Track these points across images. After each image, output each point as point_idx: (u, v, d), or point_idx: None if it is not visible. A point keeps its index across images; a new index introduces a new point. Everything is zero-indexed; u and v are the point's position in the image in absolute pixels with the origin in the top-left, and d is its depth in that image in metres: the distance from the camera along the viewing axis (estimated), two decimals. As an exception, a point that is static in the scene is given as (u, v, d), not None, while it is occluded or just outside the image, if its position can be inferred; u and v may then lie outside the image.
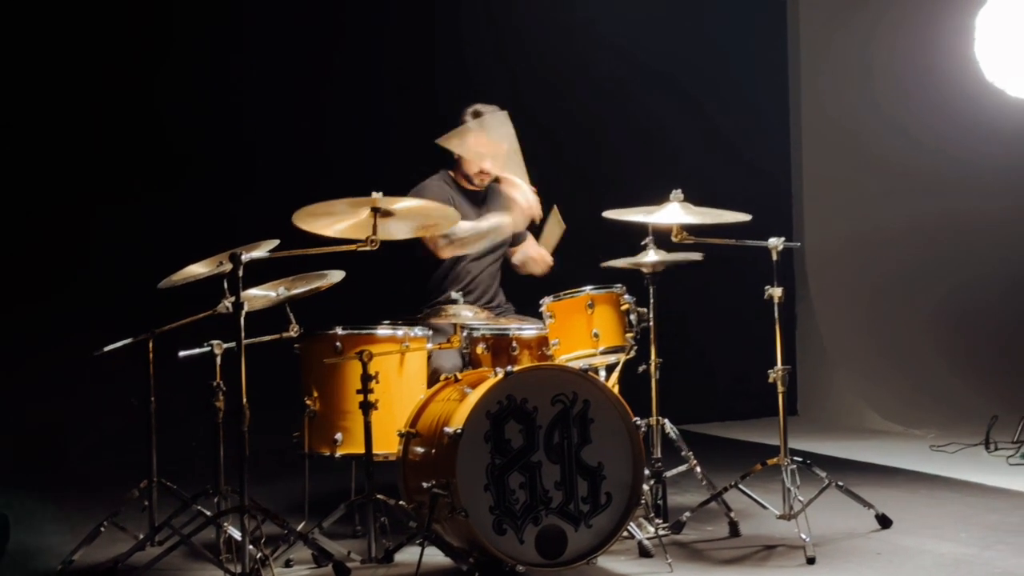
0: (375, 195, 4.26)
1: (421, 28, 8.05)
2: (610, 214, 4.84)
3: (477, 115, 5.28)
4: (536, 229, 5.46)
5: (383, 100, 7.84)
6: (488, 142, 5.26)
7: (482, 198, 5.39)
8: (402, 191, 4.88)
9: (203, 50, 7.55)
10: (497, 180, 5.35)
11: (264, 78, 7.65)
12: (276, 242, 4.31)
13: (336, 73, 7.82)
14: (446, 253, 5.16)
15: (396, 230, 4.49)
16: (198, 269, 4.47)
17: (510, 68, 8.14)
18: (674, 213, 4.76)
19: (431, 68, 7.97)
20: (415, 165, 5.38)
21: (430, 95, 7.61)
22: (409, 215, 4.42)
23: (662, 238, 4.86)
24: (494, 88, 7.71)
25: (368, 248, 4.27)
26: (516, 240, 5.51)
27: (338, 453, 4.55)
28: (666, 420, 4.95)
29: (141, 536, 4.55)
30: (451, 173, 5.39)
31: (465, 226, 5.06)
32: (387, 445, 4.46)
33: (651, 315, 4.85)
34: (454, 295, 4.74)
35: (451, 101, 5.46)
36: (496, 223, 5.19)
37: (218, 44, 7.58)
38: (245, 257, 4.08)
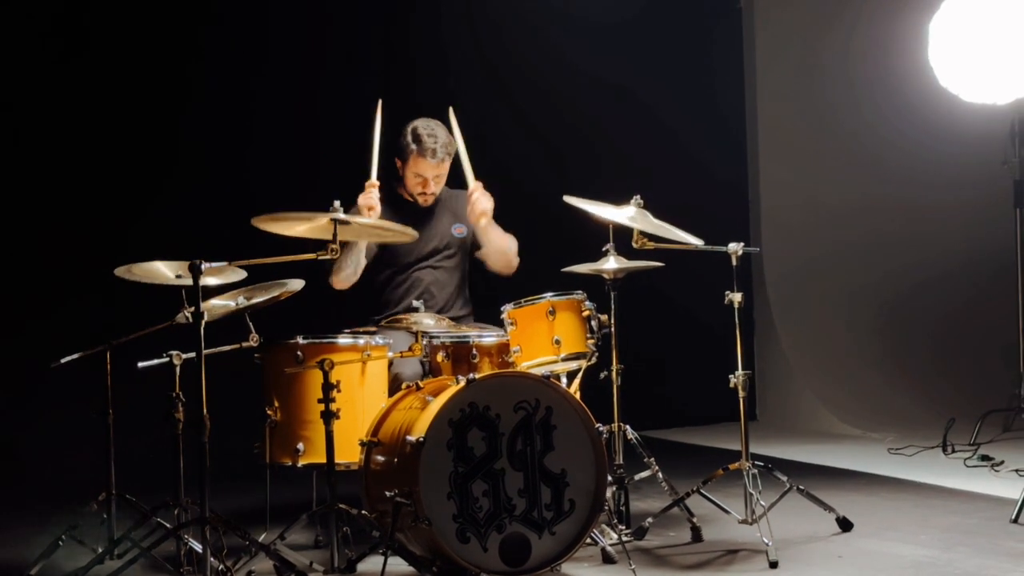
0: (335, 204, 4.25)
1: (398, 20, 8.04)
2: (571, 200, 4.81)
3: (418, 140, 5.26)
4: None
5: (358, 102, 7.79)
6: (427, 165, 5.27)
7: (428, 211, 5.39)
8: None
9: (182, 56, 7.48)
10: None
11: (230, 77, 7.58)
12: (225, 263, 4.24)
13: (313, 76, 7.77)
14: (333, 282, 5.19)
15: (356, 234, 4.49)
16: (160, 266, 4.40)
17: (485, 62, 8.14)
18: (632, 215, 4.75)
19: (412, 66, 7.95)
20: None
21: (409, 94, 7.57)
22: (368, 230, 4.44)
23: (623, 244, 4.87)
24: (469, 78, 7.77)
25: (329, 256, 4.26)
26: (478, 244, 5.49)
27: (300, 463, 4.52)
28: (628, 426, 4.96)
29: (100, 549, 4.51)
30: (396, 186, 5.39)
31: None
32: (349, 454, 4.45)
33: (612, 321, 4.86)
34: (415, 303, 4.73)
35: (428, 103, 5.44)
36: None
37: (194, 48, 7.51)
38: (204, 267, 4.06)
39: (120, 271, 4.49)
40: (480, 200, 5.27)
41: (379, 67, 7.88)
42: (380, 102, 4.81)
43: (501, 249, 5.42)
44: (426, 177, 5.29)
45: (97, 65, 7.31)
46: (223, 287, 4.49)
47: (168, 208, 7.28)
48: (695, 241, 4.79)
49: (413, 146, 5.26)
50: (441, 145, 5.26)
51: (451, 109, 5.25)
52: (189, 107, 7.47)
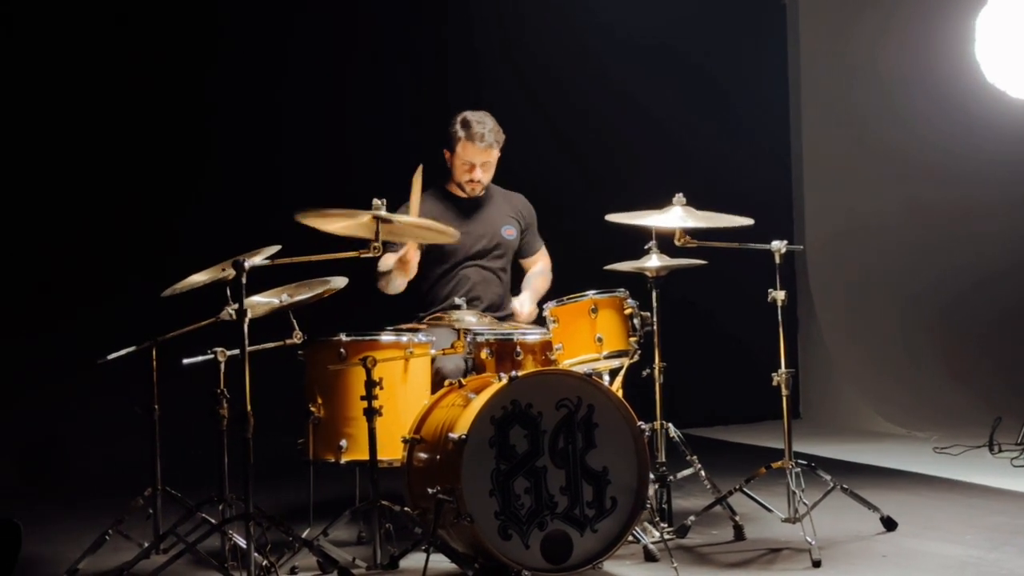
0: (376, 202, 4.27)
1: (431, 33, 8.06)
2: (613, 218, 4.85)
3: (466, 125, 5.29)
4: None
5: (393, 105, 7.83)
6: (475, 151, 5.28)
7: (475, 207, 5.40)
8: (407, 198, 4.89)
9: (207, 56, 7.54)
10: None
11: (269, 83, 7.64)
12: (277, 247, 4.32)
13: (347, 79, 7.81)
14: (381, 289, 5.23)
15: (399, 235, 4.51)
16: (200, 278, 4.48)
17: (517, 70, 8.17)
18: (676, 217, 4.76)
19: (444, 74, 7.98)
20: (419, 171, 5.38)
21: (441, 99, 7.61)
22: (410, 229, 4.45)
23: (665, 242, 4.87)
24: (501, 90, 7.79)
25: (371, 255, 4.28)
26: (523, 252, 5.51)
27: (343, 460, 4.54)
28: (670, 424, 4.95)
29: (146, 544, 4.55)
30: (444, 185, 5.41)
31: (385, 262, 5.08)
32: (392, 451, 4.46)
33: (655, 319, 4.86)
34: (458, 301, 4.74)
35: (461, 106, 5.45)
36: (387, 263, 5.12)
37: (220, 51, 7.58)
38: (248, 264, 4.09)
39: (167, 292, 4.55)
40: (525, 307, 5.34)
41: (409, 75, 7.92)
42: (420, 167, 4.84)
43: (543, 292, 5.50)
44: (474, 163, 5.30)
45: (139, 69, 7.39)
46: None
47: (211, 207, 7.35)
48: (745, 222, 4.77)
49: (461, 132, 5.28)
50: (489, 131, 5.28)
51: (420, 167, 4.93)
52: (223, 109, 7.54)
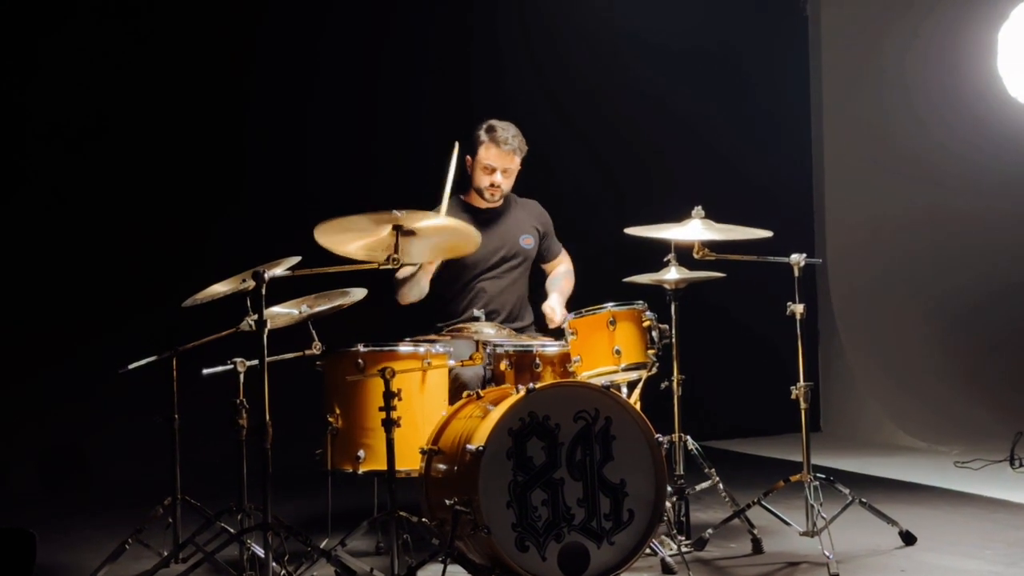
0: (395, 214, 4.27)
1: (456, 43, 8.09)
2: (632, 231, 4.86)
3: (491, 130, 5.32)
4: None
5: (417, 117, 7.86)
6: (498, 154, 5.30)
7: (494, 217, 5.41)
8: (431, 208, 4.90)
9: (234, 69, 7.59)
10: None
11: (292, 93, 7.68)
12: (297, 258, 4.34)
13: (374, 92, 7.85)
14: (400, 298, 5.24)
15: (418, 252, 4.50)
16: (220, 288, 4.50)
17: (541, 82, 8.20)
18: (695, 230, 4.77)
19: (467, 84, 8.01)
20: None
21: (465, 110, 7.63)
22: (430, 234, 4.42)
23: (684, 254, 4.87)
24: (525, 99, 7.80)
25: (391, 267, 4.28)
26: (543, 257, 5.52)
27: (361, 470, 4.54)
28: (688, 437, 4.95)
29: (165, 553, 4.57)
30: (462, 196, 5.42)
31: (403, 270, 5.10)
32: (409, 462, 4.46)
33: (673, 331, 4.85)
34: (476, 313, 4.75)
35: (485, 117, 5.47)
36: (406, 272, 5.15)
37: (247, 63, 7.62)
38: (268, 275, 4.10)
39: (187, 303, 4.58)
40: (557, 310, 5.32)
41: (435, 85, 7.95)
42: (457, 144, 4.85)
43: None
44: (495, 167, 5.31)
45: (166, 80, 7.45)
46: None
47: (233, 218, 7.39)
48: (764, 234, 4.77)
49: (485, 136, 5.30)
50: (513, 136, 5.31)
51: (456, 144, 5.04)
52: (248, 120, 7.58)
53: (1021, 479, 6.32)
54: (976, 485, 6.18)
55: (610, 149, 8.41)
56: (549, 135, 7.27)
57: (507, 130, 5.33)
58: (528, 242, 5.46)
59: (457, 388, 4.78)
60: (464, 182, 5.40)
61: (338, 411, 4.58)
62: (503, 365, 4.67)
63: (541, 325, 5.44)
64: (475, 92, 7.92)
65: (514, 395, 4.13)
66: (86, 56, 7.31)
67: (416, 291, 5.21)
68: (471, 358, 4.68)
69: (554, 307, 5.32)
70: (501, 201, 5.42)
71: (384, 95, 7.86)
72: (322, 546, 4.38)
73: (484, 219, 5.37)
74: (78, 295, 7.17)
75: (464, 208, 5.40)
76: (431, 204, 4.80)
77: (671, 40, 8.45)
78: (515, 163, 5.36)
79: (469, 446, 4.04)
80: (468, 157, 5.37)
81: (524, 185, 5.49)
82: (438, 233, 4.46)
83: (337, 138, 7.75)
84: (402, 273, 5.13)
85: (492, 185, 5.34)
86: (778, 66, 8.98)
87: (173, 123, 7.47)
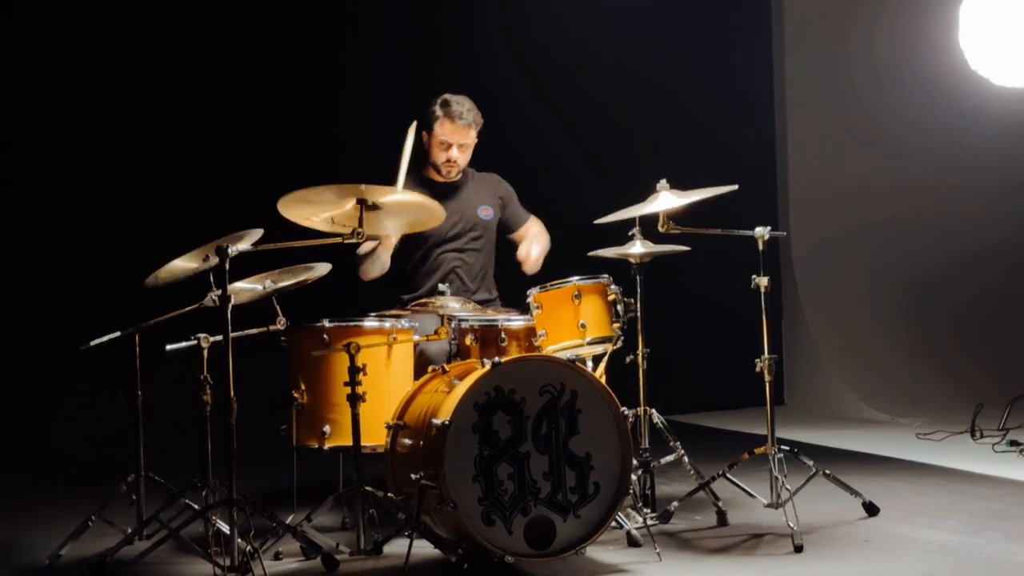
0: (360, 188, 4.25)
1: (424, 11, 8.04)
2: (601, 221, 4.85)
3: (445, 104, 5.29)
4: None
5: (381, 91, 7.81)
6: (453, 129, 5.27)
7: (452, 191, 5.39)
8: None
9: (194, 42, 7.52)
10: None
11: (252, 67, 7.63)
12: (260, 232, 4.31)
13: (335, 62, 7.81)
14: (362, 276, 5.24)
15: (382, 226, 4.48)
16: (183, 264, 4.46)
17: (508, 52, 8.18)
18: (663, 202, 4.76)
19: (436, 54, 7.97)
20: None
21: (432, 84, 7.59)
22: (395, 208, 4.41)
23: (649, 228, 4.87)
24: (490, 74, 7.77)
25: (355, 240, 4.26)
26: (510, 226, 5.49)
27: (326, 445, 4.54)
28: (654, 410, 4.96)
29: (129, 530, 4.55)
30: (421, 171, 5.39)
31: (364, 246, 5.08)
32: (375, 437, 4.46)
33: (638, 305, 4.85)
34: (441, 287, 4.74)
35: (454, 91, 5.44)
36: (366, 247, 5.13)
37: (208, 34, 7.55)
38: (232, 250, 4.07)
39: (149, 281, 4.54)
40: (535, 252, 5.33)
41: (404, 55, 7.91)
42: (415, 123, 4.82)
43: (544, 252, 5.45)
44: (451, 142, 5.29)
45: (119, 53, 7.37)
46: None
47: (194, 192, 7.35)
48: (730, 188, 4.76)
49: (440, 111, 5.28)
50: (468, 110, 5.29)
51: (414, 123, 4.97)
52: (205, 93, 7.52)
53: (982, 450, 6.38)
54: (938, 456, 6.24)
55: (573, 123, 8.38)
56: (512, 107, 7.26)
57: (462, 104, 5.30)
58: (487, 213, 5.44)
59: (422, 363, 4.77)
60: (422, 157, 5.38)
61: (303, 387, 4.57)
62: (468, 339, 4.66)
63: (506, 300, 5.43)
64: (442, 60, 7.89)
65: (480, 369, 4.13)
66: (40, 24, 7.21)
67: (377, 266, 5.20)
68: (436, 332, 4.67)
69: (527, 249, 5.32)
70: (460, 176, 5.40)
71: (348, 65, 7.81)
72: (288, 522, 4.37)
73: (442, 193, 5.33)
74: (39, 272, 7.10)
75: (422, 183, 5.37)
76: (391, 180, 4.77)
77: (634, 11, 8.42)
78: (471, 137, 5.34)
79: (435, 420, 4.04)
80: (424, 133, 5.34)
81: (485, 161, 5.47)
82: (402, 207, 4.45)
83: (298, 112, 7.69)
84: (362, 249, 5.11)
85: (448, 161, 5.32)
86: (742, 39, 8.98)
87: (133, 95, 7.40)
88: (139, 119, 7.40)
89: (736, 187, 4.77)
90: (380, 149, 5.58)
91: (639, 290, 4.89)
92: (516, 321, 4.71)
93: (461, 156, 5.34)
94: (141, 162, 7.39)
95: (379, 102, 7.68)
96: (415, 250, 5.33)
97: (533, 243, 5.41)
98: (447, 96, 5.32)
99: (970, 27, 8.53)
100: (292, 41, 7.71)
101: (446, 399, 4.11)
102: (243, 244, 4.22)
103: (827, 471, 4.78)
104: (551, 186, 7.67)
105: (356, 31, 7.86)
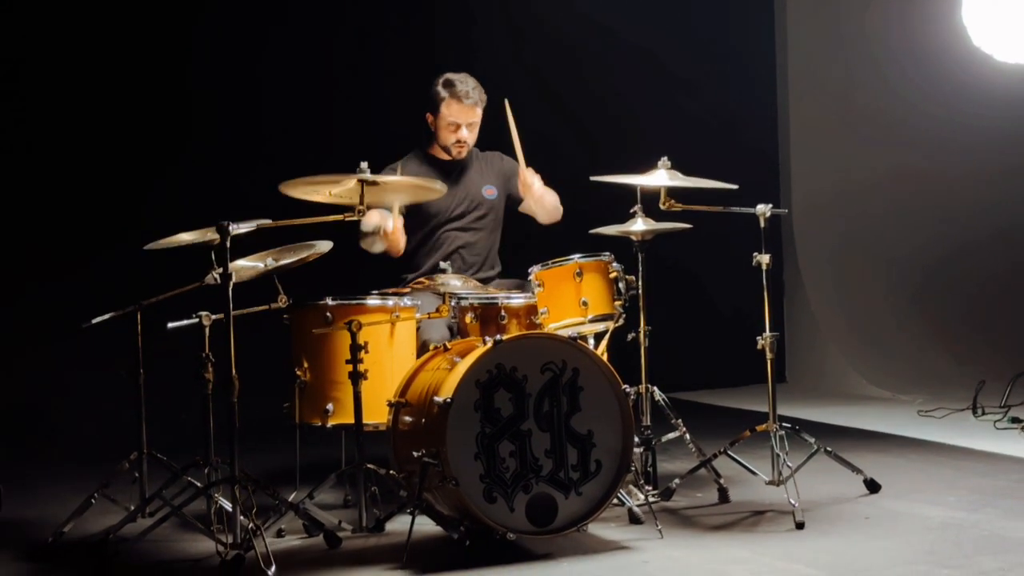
0: (362, 166, 4.25)
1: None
2: (598, 178, 4.83)
3: (449, 84, 5.27)
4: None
5: (381, 72, 7.80)
6: (460, 109, 5.26)
7: (457, 170, 5.38)
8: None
9: (198, 22, 7.50)
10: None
11: (260, 48, 7.60)
12: (267, 221, 4.30)
13: (334, 42, 7.78)
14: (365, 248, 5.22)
15: (384, 200, 4.49)
16: (186, 237, 4.46)
17: (505, 28, 8.16)
18: (661, 178, 4.75)
19: (431, 33, 7.95)
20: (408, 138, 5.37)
21: (428, 68, 7.58)
22: (395, 187, 4.42)
23: (650, 206, 4.86)
24: (486, 49, 7.75)
25: (356, 218, 4.27)
26: (518, 199, 5.48)
27: (329, 423, 4.55)
28: (655, 388, 4.96)
29: (132, 507, 4.56)
30: (426, 150, 5.38)
31: (368, 221, 5.04)
32: (377, 415, 4.47)
33: (640, 283, 4.86)
34: (442, 265, 4.74)
35: (451, 69, 5.43)
36: (369, 223, 5.08)
37: (212, 15, 7.53)
38: (232, 229, 4.07)
39: (150, 246, 4.54)
40: (534, 181, 5.28)
41: (399, 29, 7.89)
42: (506, 100, 4.85)
43: (553, 207, 5.40)
44: (459, 123, 5.28)
45: (122, 29, 7.36)
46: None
47: (198, 171, 7.34)
48: (730, 187, 4.77)
49: (445, 92, 5.26)
50: (473, 88, 5.27)
51: (506, 101, 5.10)
52: (209, 71, 7.51)
53: (983, 427, 6.39)
54: (939, 433, 6.24)
55: (577, 100, 8.36)
56: (510, 85, 7.22)
57: (466, 83, 5.28)
58: (491, 192, 5.43)
59: (422, 343, 4.77)
60: (424, 137, 5.37)
61: (306, 365, 4.57)
62: (468, 318, 4.66)
63: (511, 276, 5.42)
64: (438, 42, 7.87)
65: (481, 347, 4.13)
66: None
67: (379, 246, 5.19)
68: (437, 310, 4.67)
69: (529, 186, 5.27)
70: (467, 155, 5.40)
71: (346, 47, 7.79)
72: (290, 499, 4.38)
73: (447, 171, 5.35)
74: (40, 250, 7.10)
75: (427, 161, 5.37)
76: (392, 157, 4.79)
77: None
78: (477, 115, 5.33)
79: (437, 398, 4.04)
80: (429, 115, 5.33)
81: (487, 139, 5.45)
82: (402, 187, 4.48)
83: (299, 90, 7.67)
84: (366, 225, 5.08)
85: (458, 141, 5.31)
86: (742, 20, 8.95)
87: (135, 71, 7.38)
88: (140, 95, 7.38)
89: (736, 187, 4.77)
90: (377, 121, 5.59)
91: (641, 267, 4.89)
92: (516, 299, 4.70)
93: (470, 135, 5.33)
94: (143, 138, 7.37)
95: (376, 75, 7.69)
96: (419, 228, 5.32)
97: (534, 182, 5.33)
98: (450, 76, 5.30)
99: (972, 2, 8.49)
100: (294, 18, 7.68)
101: (448, 377, 4.12)
102: (244, 225, 4.21)
103: (828, 448, 4.79)
104: (550, 161, 7.65)
105: (355, 7, 7.84)
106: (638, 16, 8.44)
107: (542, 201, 5.34)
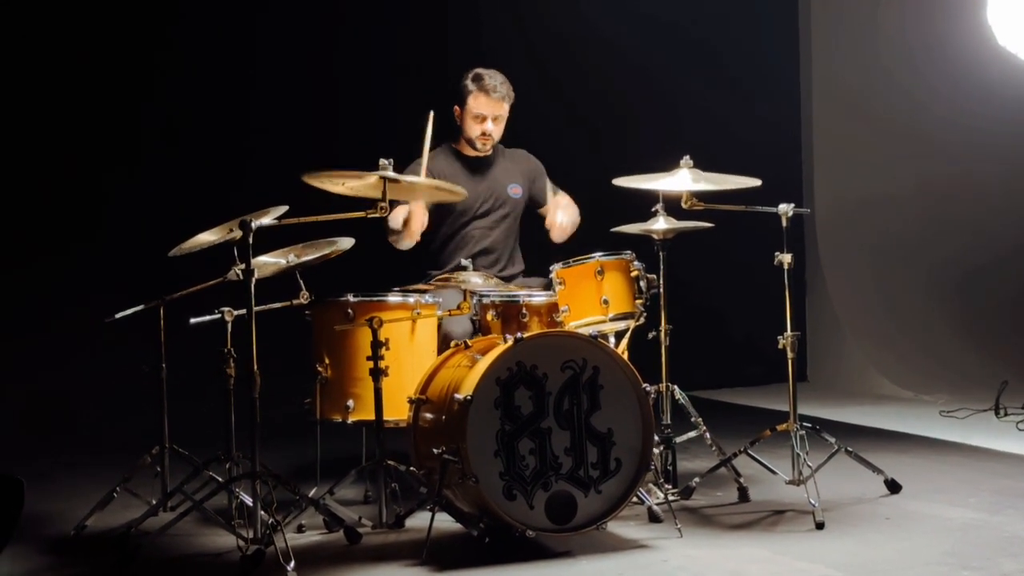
0: (383, 162, 4.26)
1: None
2: (620, 182, 4.84)
3: (478, 78, 5.29)
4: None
5: (395, 63, 7.81)
6: (487, 102, 5.27)
7: (483, 165, 5.39)
8: (411, 158, 4.91)
9: (212, 15, 7.53)
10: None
11: (274, 42, 7.63)
12: (285, 208, 4.33)
13: (348, 38, 7.80)
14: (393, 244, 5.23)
15: (406, 196, 4.51)
16: (208, 237, 4.49)
17: (523, 32, 8.16)
18: (684, 180, 4.76)
19: (444, 32, 7.96)
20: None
21: (441, 60, 7.60)
22: (417, 190, 4.46)
23: (672, 204, 4.86)
24: (506, 50, 7.75)
25: (379, 215, 4.28)
26: (539, 201, 5.49)
27: (350, 419, 4.56)
28: (676, 386, 4.96)
29: (154, 502, 4.59)
30: (453, 144, 5.40)
31: (395, 219, 5.06)
32: (398, 411, 4.48)
33: (661, 281, 4.86)
34: (464, 262, 4.75)
35: (463, 67, 5.43)
36: (396, 221, 5.10)
37: (226, 9, 7.56)
38: (255, 224, 4.09)
39: (174, 252, 4.57)
40: (560, 220, 5.32)
41: (410, 31, 7.90)
42: (432, 113, 4.84)
43: (570, 233, 5.41)
44: (485, 115, 5.29)
45: (119, 31, 7.39)
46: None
47: (221, 166, 7.36)
48: (753, 183, 4.76)
49: (473, 85, 5.28)
50: (501, 83, 5.30)
51: (431, 113, 4.95)
52: (230, 65, 7.55)
53: (1006, 428, 6.36)
54: (961, 434, 6.22)
55: (597, 102, 8.36)
56: (531, 86, 7.23)
57: (494, 77, 5.31)
58: (516, 191, 5.45)
59: (444, 337, 4.78)
60: (453, 131, 5.38)
61: (327, 361, 4.59)
62: (490, 315, 4.66)
63: (532, 274, 5.43)
64: (451, 43, 7.88)
65: (502, 344, 4.14)
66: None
67: (406, 242, 5.20)
68: (458, 308, 4.68)
69: (554, 218, 5.32)
70: (491, 150, 5.41)
71: (364, 43, 7.81)
72: (310, 495, 4.40)
73: (473, 167, 5.37)
74: (65, 244, 7.14)
75: (454, 155, 5.39)
76: (410, 157, 4.79)
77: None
78: (504, 110, 5.34)
79: (457, 395, 4.05)
80: (456, 107, 5.34)
81: (509, 138, 5.46)
82: (423, 187, 4.53)
83: (321, 85, 7.69)
84: (394, 222, 5.09)
85: (483, 134, 5.33)
86: (766, 24, 8.93)
87: (162, 69, 7.42)
88: (169, 93, 7.42)
89: (759, 182, 4.76)
90: (400, 116, 5.59)
91: (662, 266, 4.89)
92: (538, 296, 4.71)
93: (495, 129, 5.34)
94: (167, 135, 7.41)
95: (398, 71, 7.71)
96: (444, 225, 5.34)
97: (559, 211, 5.38)
98: (479, 70, 5.33)
99: (998, 2, 8.45)
100: (294, 17, 7.70)
101: (468, 374, 4.12)
102: (267, 219, 4.23)
103: (849, 448, 4.77)
104: (572, 159, 7.67)
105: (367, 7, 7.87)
106: (662, 16, 8.43)
107: (564, 233, 5.36)
